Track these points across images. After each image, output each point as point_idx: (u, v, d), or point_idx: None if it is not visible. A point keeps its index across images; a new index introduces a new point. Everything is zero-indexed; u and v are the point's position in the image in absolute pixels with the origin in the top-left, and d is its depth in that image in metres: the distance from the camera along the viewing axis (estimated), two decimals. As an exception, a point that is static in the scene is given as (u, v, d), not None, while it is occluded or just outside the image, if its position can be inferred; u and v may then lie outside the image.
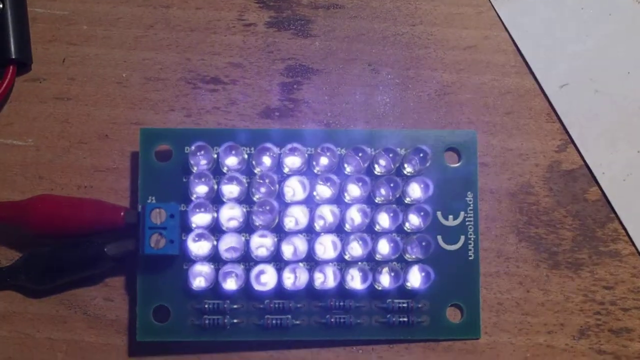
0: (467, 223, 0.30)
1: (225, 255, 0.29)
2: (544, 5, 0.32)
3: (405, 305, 0.29)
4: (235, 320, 0.29)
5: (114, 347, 0.30)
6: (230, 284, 0.29)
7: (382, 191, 0.29)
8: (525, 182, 0.31)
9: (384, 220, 0.29)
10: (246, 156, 0.29)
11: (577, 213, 0.31)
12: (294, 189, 0.29)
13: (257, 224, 0.29)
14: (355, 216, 0.29)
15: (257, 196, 0.29)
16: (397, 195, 0.29)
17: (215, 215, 0.29)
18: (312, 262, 0.29)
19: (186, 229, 0.29)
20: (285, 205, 0.29)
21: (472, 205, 0.30)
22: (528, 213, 0.31)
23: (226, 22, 0.32)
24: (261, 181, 0.29)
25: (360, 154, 0.29)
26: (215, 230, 0.29)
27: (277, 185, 0.29)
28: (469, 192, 0.30)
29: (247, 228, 0.29)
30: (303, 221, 0.29)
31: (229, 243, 0.29)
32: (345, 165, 0.29)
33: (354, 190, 0.29)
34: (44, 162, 0.31)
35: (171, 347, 0.29)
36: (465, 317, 0.30)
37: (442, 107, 0.32)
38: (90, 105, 0.31)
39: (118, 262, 0.29)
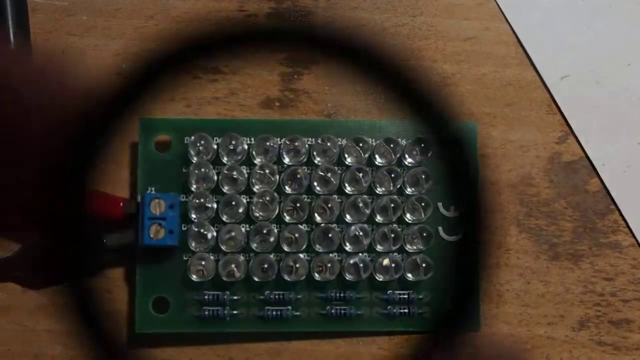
0: (467, 214, 0.30)
1: (225, 246, 0.29)
2: (545, -3, 0.33)
3: (405, 296, 0.29)
4: (235, 312, 0.29)
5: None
6: (230, 275, 0.29)
7: (383, 182, 0.29)
8: (525, 173, 0.31)
9: (384, 211, 0.29)
10: (246, 147, 0.29)
11: (578, 204, 0.31)
12: (294, 180, 0.29)
13: (257, 214, 0.29)
14: (355, 207, 0.29)
15: (257, 187, 0.29)
16: (398, 186, 0.29)
17: (215, 205, 0.29)
18: (312, 253, 0.29)
19: (186, 219, 0.29)
20: (285, 196, 0.29)
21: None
22: (528, 204, 0.31)
23: (226, 13, 0.32)
24: (261, 172, 0.29)
25: (360, 145, 0.29)
26: (215, 220, 0.29)
27: (277, 176, 0.29)
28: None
29: (247, 219, 0.29)
30: (303, 212, 0.29)
31: (229, 234, 0.29)
32: (346, 156, 0.29)
33: (354, 181, 0.29)
34: (43, 153, 0.30)
35: (170, 339, 0.29)
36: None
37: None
38: (90, 96, 0.31)
39: (117, 253, 0.29)
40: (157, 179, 0.29)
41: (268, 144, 0.29)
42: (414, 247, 0.29)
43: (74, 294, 0.13)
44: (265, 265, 0.29)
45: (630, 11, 0.32)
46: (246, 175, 0.29)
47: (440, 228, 0.30)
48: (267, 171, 0.29)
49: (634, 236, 0.31)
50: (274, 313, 0.29)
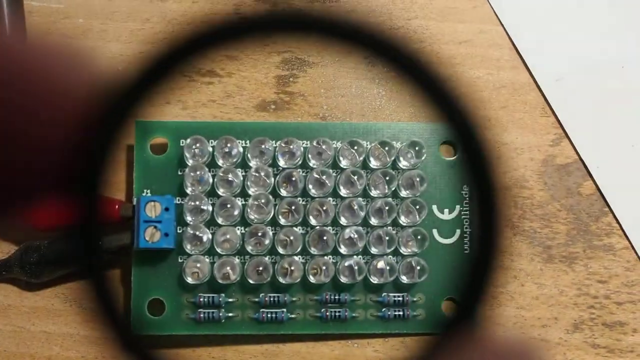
0: (462, 217, 0.30)
1: (221, 248, 0.29)
2: (539, 0, 0.33)
3: (400, 299, 0.30)
4: (230, 314, 0.29)
5: (109, 341, 0.29)
6: (225, 278, 0.29)
7: (378, 184, 0.29)
8: (519, 176, 0.31)
9: (379, 213, 0.29)
10: (241, 149, 0.29)
11: (572, 207, 0.31)
12: (289, 183, 0.29)
13: (252, 217, 0.29)
14: (350, 209, 0.29)
15: (252, 189, 0.29)
16: (393, 189, 0.29)
17: (211, 208, 0.29)
18: (307, 255, 0.29)
19: (181, 222, 0.29)
20: (280, 198, 0.29)
21: (467, 198, 0.30)
22: (522, 207, 0.31)
23: (222, 15, 0.32)
24: (256, 174, 0.29)
25: (355, 147, 0.29)
26: (211, 223, 0.29)
27: (272, 179, 0.29)
28: (465, 186, 0.30)
29: (242, 221, 0.29)
30: (298, 215, 0.29)
31: (224, 236, 0.29)
32: (341, 159, 0.29)
33: (349, 184, 0.29)
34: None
35: (166, 341, 0.29)
36: (460, 311, 0.30)
37: (437, 101, 0.32)
38: (86, 99, 0.31)
39: (113, 256, 0.29)
40: (153, 182, 0.29)
41: (263, 146, 0.29)
42: (409, 250, 0.29)
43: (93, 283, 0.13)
44: (261, 268, 0.29)
45: (623, 14, 0.32)
46: (241, 178, 0.29)
47: (434, 231, 0.30)
48: (262, 174, 0.29)
49: (627, 239, 0.31)
50: (269, 315, 0.29)
